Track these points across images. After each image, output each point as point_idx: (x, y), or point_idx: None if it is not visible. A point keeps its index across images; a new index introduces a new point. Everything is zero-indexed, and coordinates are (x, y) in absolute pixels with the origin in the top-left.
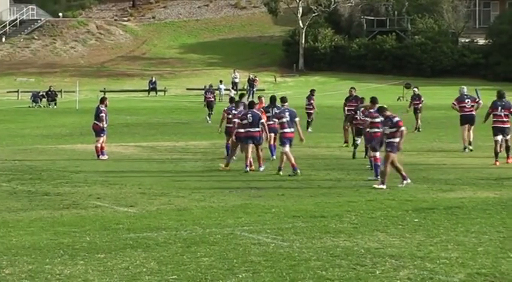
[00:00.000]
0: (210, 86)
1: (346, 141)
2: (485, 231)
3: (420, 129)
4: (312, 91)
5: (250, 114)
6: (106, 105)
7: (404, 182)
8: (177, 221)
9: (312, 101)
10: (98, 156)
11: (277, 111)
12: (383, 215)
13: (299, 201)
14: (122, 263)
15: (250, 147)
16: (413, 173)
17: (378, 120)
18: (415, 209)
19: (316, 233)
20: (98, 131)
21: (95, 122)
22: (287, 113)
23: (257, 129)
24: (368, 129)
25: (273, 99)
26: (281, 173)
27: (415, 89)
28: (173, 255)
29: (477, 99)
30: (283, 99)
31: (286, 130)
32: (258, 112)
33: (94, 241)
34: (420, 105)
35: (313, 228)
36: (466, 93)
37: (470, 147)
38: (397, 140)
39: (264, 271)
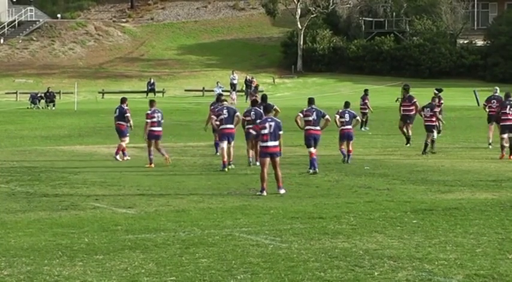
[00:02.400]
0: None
1: (408, 139)
2: (483, 232)
3: (440, 132)
4: (366, 91)
5: (253, 112)
6: (127, 105)
7: None
8: (175, 222)
9: (366, 101)
10: (116, 154)
11: (216, 108)
12: (381, 216)
13: (297, 202)
14: (120, 264)
15: (250, 143)
16: (412, 174)
17: None
18: (413, 210)
19: (315, 234)
20: (124, 131)
21: (119, 122)
22: (225, 111)
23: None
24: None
25: (263, 98)
26: (226, 169)
27: (436, 91)
28: (172, 256)
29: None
30: (219, 98)
31: (224, 126)
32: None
33: (92, 242)
34: (440, 107)
35: (312, 229)
36: (496, 94)
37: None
38: None
39: (263, 272)
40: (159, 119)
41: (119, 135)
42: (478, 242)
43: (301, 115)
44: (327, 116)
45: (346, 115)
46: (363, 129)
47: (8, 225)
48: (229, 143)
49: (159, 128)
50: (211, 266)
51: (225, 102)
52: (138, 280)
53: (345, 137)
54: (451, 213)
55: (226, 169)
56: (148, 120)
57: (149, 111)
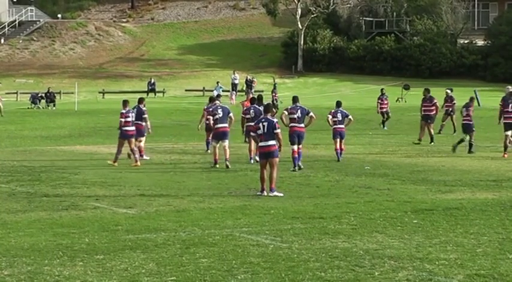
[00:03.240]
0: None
1: (431, 137)
2: (484, 232)
3: (456, 132)
4: (382, 90)
5: (252, 110)
6: (144, 105)
7: None
8: (176, 222)
9: (385, 101)
10: (141, 156)
11: (210, 108)
12: (382, 216)
13: (298, 202)
14: (120, 264)
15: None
16: (412, 174)
17: None
18: (414, 210)
19: (315, 234)
20: (142, 131)
21: (138, 122)
22: (219, 110)
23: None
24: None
25: (253, 99)
26: (217, 165)
27: (448, 91)
28: (172, 256)
29: None
30: (212, 99)
31: (219, 125)
32: (260, 108)
33: (93, 242)
34: (452, 107)
35: (312, 229)
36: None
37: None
38: None
39: (263, 272)
40: (133, 119)
41: (137, 134)
42: (479, 241)
43: (286, 113)
44: (311, 113)
45: (339, 114)
46: (385, 128)
47: (8, 225)
48: (223, 141)
49: (133, 128)
50: (212, 266)
51: (217, 102)
52: (139, 280)
53: (337, 135)
54: (452, 213)
55: (217, 165)
56: (123, 119)
57: (123, 111)
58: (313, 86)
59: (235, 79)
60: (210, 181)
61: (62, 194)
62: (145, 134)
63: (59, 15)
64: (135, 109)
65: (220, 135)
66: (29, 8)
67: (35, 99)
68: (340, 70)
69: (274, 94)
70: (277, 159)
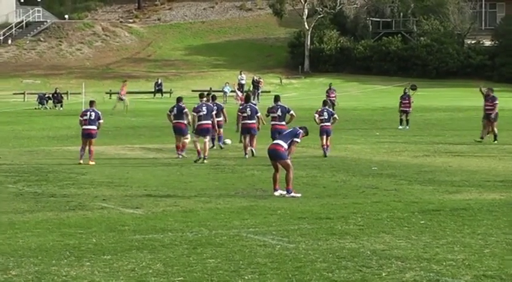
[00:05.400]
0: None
1: (482, 138)
2: (491, 233)
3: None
4: (405, 89)
5: (249, 108)
6: (183, 104)
7: None
8: (183, 222)
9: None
10: (182, 151)
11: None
12: (389, 217)
13: (305, 202)
14: (128, 264)
15: (247, 138)
16: (419, 175)
17: None
18: (421, 211)
19: (322, 234)
20: (185, 130)
21: (179, 121)
22: (204, 107)
23: (253, 121)
24: None
25: (247, 97)
26: (205, 161)
27: (487, 89)
28: (179, 256)
29: None
30: (202, 95)
31: (201, 122)
32: (256, 106)
33: (100, 242)
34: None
35: (319, 229)
36: None
37: None
38: None
39: (270, 273)
40: (92, 117)
41: (179, 133)
42: (486, 242)
43: (266, 112)
44: (292, 112)
45: (325, 113)
46: (407, 127)
47: (16, 226)
48: (205, 137)
49: (92, 127)
50: (219, 266)
51: (204, 99)
52: (146, 280)
53: (324, 132)
54: (459, 213)
55: (183, 154)
56: (81, 118)
57: (83, 109)
58: (320, 87)
59: (242, 79)
60: (217, 181)
61: (69, 194)
62: (189, 132)
63: (66, 16)
64: (175, 108)
65: (204, 131)
66: (36, 8)
67: (42, 99)
68: (347, 70)
69: (328, 94)
70: (288, 161)
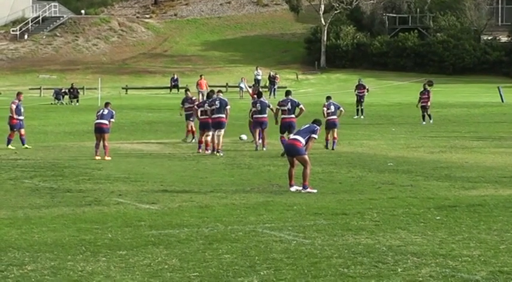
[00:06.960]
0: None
1: None
2: (507, 229)
3: None
4: (425, 85)
5: (259, 104)
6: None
7: None
8: (198, 218)
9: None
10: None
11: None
12: (405, 213)
13: (321, 198)
14: (143, 259)
15: (257, 131)
16: (435, 171)
17: None
18: (437, 207)
19: (338, 230)
20: (223, 123)
21: (219, 115)
22: (217, 102)
23: (264, 115)
24: None
25: (259, 93)
26: (221, 154)
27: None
28: (195, 252)
29: None
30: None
31: (214, 115)
32: (266, 101)
33: (116, 238)
34: None
35: (335, 225)
36: None
37: None
38: None
39: (286, 268)
40: (105, 112)
41: (219, 128)
42: (502, 238)
43: (278, 106)
44: (301, 105)
45: (332, 107)
46: (431, 121)
47: (32, 221)
48: (220, 131)
49: (104, 121)
50: (235, 262)
51: (218, 94)
52: (162, 275)
53: (330, 125)
54: (475, 209)
55: (214, 152)
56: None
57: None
58: (336, 82)
59: (258, 75)
60: (232, 177)
61: (85, 190)
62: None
63: (82, 11)
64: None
65: (218, 125)
66: (53, 3)
67: (58, 95)
68: (363, 66)
69: (359, 90)
70: (305, 157)
